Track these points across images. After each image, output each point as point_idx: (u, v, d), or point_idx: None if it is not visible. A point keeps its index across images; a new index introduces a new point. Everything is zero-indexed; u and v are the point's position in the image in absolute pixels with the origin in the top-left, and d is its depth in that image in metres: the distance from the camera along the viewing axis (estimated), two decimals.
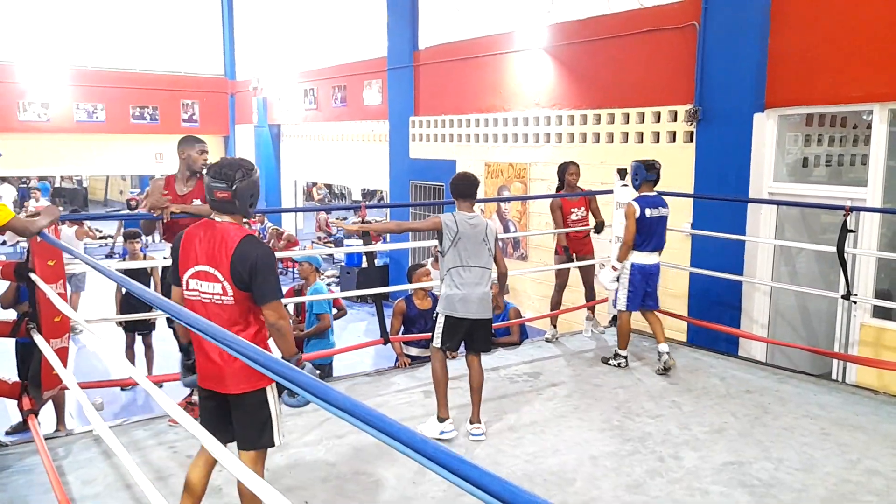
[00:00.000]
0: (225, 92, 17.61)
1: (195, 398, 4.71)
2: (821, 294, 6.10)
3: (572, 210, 6.44)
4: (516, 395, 5.12)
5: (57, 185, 25.34)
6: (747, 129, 6.51)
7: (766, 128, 6.46)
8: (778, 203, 6.38)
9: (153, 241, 14.72)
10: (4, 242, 14.48)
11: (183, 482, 3.10)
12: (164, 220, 4.54)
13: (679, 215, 6.98)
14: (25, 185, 24.24)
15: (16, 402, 4.20)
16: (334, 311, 6.93)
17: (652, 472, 3.92)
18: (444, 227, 4.38)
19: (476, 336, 4.49)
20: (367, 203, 9.49)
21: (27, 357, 4.77)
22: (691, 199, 6.95)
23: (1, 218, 3.73)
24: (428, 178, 10.98)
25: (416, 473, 3.82)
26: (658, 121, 7.42)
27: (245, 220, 3.09)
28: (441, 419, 4.38)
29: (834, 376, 5.89)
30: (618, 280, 5.70)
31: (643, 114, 7.57)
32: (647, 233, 5.53)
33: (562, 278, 6.51)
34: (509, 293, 7.28)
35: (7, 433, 6.00)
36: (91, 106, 15.77)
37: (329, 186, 24.10)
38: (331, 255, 15.58)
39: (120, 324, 7.91)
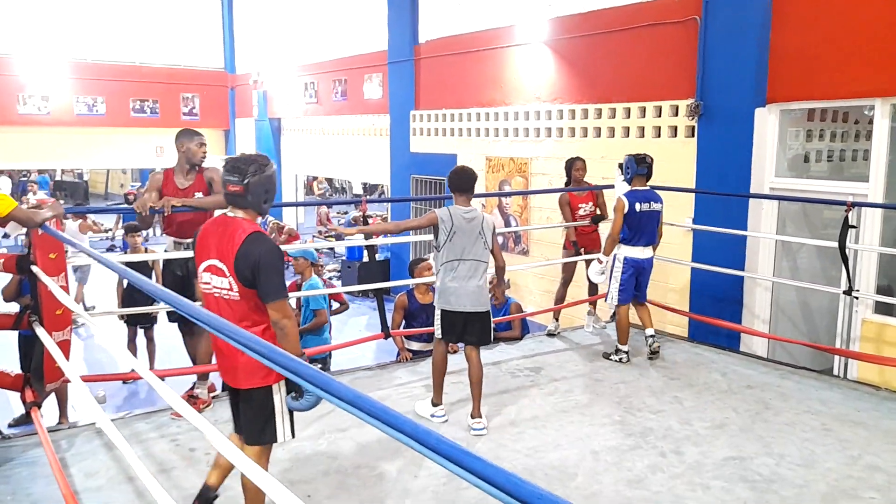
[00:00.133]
0: (225, 85, 17.57)
1: (196, 391, 4.73)
2: (822, 290, 6.10)
3: (580, 205, 6.49)
4: (517, 390, 5.13)
5: (58, 178, 25.30)
6: (749, 124, 6.50)
7: (767, 123, 6.44)
8: (779, 198, 6.38)
9: (154, 234, 14.72)
10: (6, 235, 14.47)
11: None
12: (165, 214, 4.54)
13: (680, 210, 6.98)
14: (26, 179, 24.22)
15: (19, 394, 4.20)
16: (336, 304, 6.94)
17: (653, 467, 3.93)
18: (439, 222, 4.40)
19: (472, 329, 4.51)
20: (367, 197, 9.47)
21: (29, 350, 4.78)
22: (692, 195, 6.95)
23: (3, 208, 3.73)
24: (429, 173, 10.97)
25: (418, 467, 3.83)
26: (659, 115, 7.41)
27: (260, 215, 3.08)
28: (434, 404, 4.53)
29: (835, 372, 5.89)
30: (604, 273, 5.79)
31: (644, 108, 7.56)
32: (638, 227, 5.56)
33: (567, 273, 6.53)
34: (510, 288, 7.29)
35: (10, 425, 6.01)
36: (91, 99, 15.74)
37: (330, 181, 24.07)
38: (332, 250, 15.58)
39: (122, 317, 7.92)
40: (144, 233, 9.93)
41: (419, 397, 4.88)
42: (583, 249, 6.49)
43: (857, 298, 5.61)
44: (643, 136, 7.59)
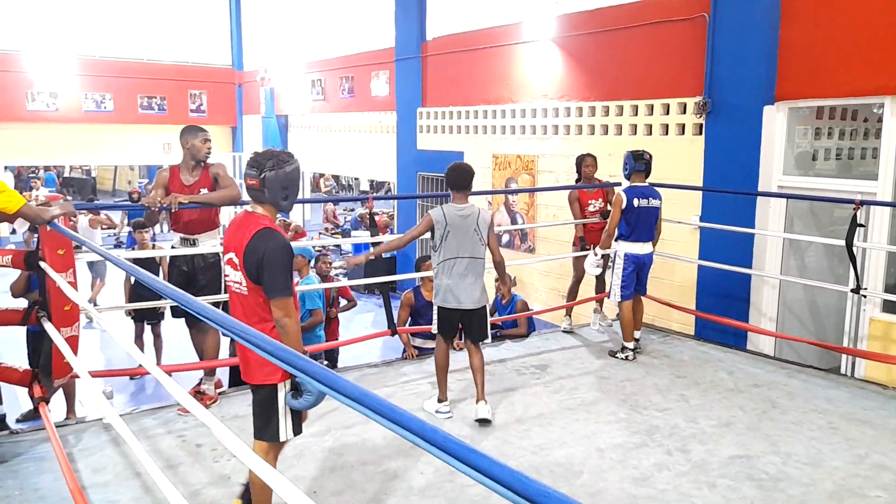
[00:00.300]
0: (232, 82, 17.61)
1: (203, 387, 4.75)
2: (830, 288, 6.08)
3: (590, 202, 6.51)
4: (523, 388, 5.13)
5: (66, 174, 25.40)
6: (757, 121, 6.47)
7: (775, 120, 6.41)
8: (787, 196, 6.35)
9: (161, 230, 14.76)
10: (14, 231, 14.54)
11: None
12: (172, 211, 4.55)
13: (687, 208, 6.96)
14: (34, 174, 24.32)
15: (27, 389, 4.22)
16: (343, 301, 6.96)
17: (659, 465, 3.92)
18: (434, 223, 4.46)
19: (470, 325, 4.60)
20: (374, 195, 9.47)
21: (38, 345, 4.80)
22: (700, 192, 6.93)
23: (13, 204, 3.75)
24: (435, 170, 10.97)
25: (424, 464, 3.83)
26: (667, 113, 7.39)
27: (280, 212, 3.10)
28: (440, 400, 4.59)
29: (843, 371, 5.87)
30: (599, 266, 5.91)
31: (652, 106, 7.54)
32: (636, 223, 5.61)
33: (579, 270, 6.54)
34: (516, 285, 7.29)
35: (18, 420, 6.04)
36: (99, 96, 15.80)
37: (336, 178, 24.08)
38: (338, 247, 15.60)
39: (129, 313, 7.95)
40: (152, 230, 9.98)
41: (425, 394, 4.89)
42: (590, 246, 6.49)
43: (864, 297, 5.59)
44: (650, 133, 7.56)
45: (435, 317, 4.61)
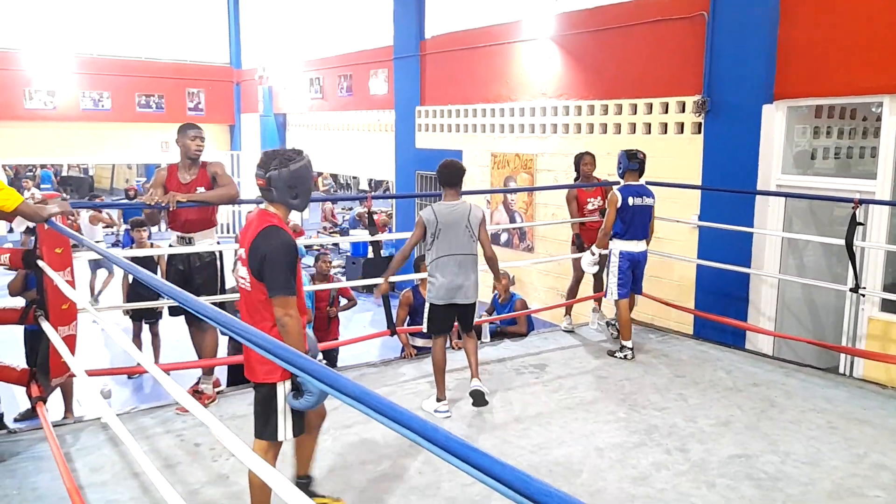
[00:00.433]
0: (230, 81, 17.58)
1: (202, 387, 4.74)
2: (829, 287, 6.08)
3: (588, 200, 6.51)
4: (522, 387, 5.12)
5: (64, 173, 25.36)
6: (756, 120, 6.47)
7: (774, 119, 6.41)
8: (786, 195, 6.35)
9: (160, 230, 14.72)
10: (11, 231, 14.51)
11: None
12: (170, 209, 4.54)
13: (686, 207, 6.96)
14: (31, 173, 24.28)
15: (24, 388, 4.21)
16: (344, 301, 6.95)
17: (658, 464, 3.92)
18: (425, 223, 4.54)
19: (464, 319, 4.74)
20: (372, 194, 9.45)
21: (35, 344, 4.80)
22: (699, 191, 6.93)
23: (11, 202, 3.74)
24: (434, 169, 10.81)
25: (423, 464, 3.83)
26: (666, 112, 7.38)
27: (292, 210, 3.11)
28: (438, 399, 4.62)
29: (841, 370, 5.87)
30: (597, 265, 5.96)
31: (651, 104, 7.53)
32: (631, 221, 5.69)
33: (578, 269, 6.55)
34: (514, 284, 7.28)
35: (16, 420, 6.04)
36: (97, 94, 15.77)
37: (335, 176, 24.06)
38: (336, 245, 15.59)
39: (127, 312, 7.94)
40: (150, 228, 9.99)
41: (424, 394, 4.89)
42: (588, 245, 6.50)
43: (863, 296, 5.59)
44: (649, 132, 7.56)
45: (426, 314, 4.69)
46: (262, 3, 16.51)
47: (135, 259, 6.39)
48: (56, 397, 5.78)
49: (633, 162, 5.73)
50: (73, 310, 4.14)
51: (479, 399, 4.59)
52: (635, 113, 7.72)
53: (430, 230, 4.54)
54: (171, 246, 4.87)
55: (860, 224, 5.25)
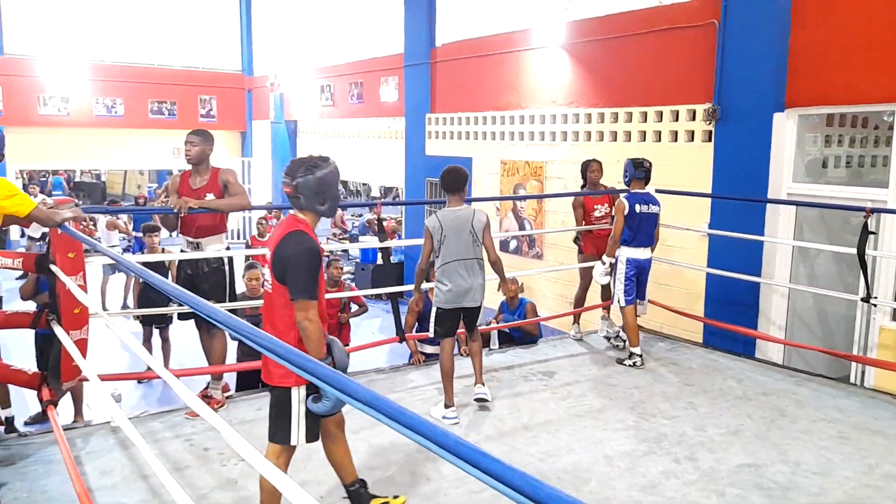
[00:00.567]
0: (242, 88, 17.69)
1: (210, 391, 4.76)
2: (840, 296, 6.04)
3: (595, 207, 6.50)
4: (531, 394, 5.11)
5: (77, 179, 25.57)
6: (767, 128, 6.45)
7: (785, 128, 6.39)
8: (797, 204, 6.32)
9: (170, 235, 14.81)
10: (23, 235, 14.62)
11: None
12: (182, 215, 4.58)
13: (696, 215, 6.94)
14: (45, 179, 24.46)
15: (35, 392, 4.24)
16: (355, 307, 6.97)
17: (667, 473, 3.90)
18: (431, 231, 4.63)
19: (470, 320, 4.80)
20: (382, 200, 9.49)
21: (46, 348, 4.83)
22: (709, 199, 6.91)
23: (24, 208, 3.78)
24: None
25: (430, 470, 3.82)
26: (676, 120, 7.37)
27: (322, 217, 3.15)
28: (446, 405, 4.63)
29: (852, 380, 5.82)
30: (608, 274, 5.98)
31: (661, 112, 7.52)
32: (637, 228, 5.75)
33: (585, 277, 6.54)
34: (524, 291, 7.28)
35: (26, 423, 6.07)
36: (110, 100, 15.90)
37: (345, 183, 24.12)
38: (345, 252, 15.62)
39: (137, 317, 7.97)
40: (168, 233, 10.09)
41: (432, 400, 4.89)
42: (584, 251, 6.54)
43: (875, 306, 5.55)
44: (660, 140, 7.55)
45: (433, 318, 4.75)
46: (273, 11, 16.62)
47: (146, 264, 6.43)
48: (66, 401, 5.81)
49: (639, 170, 5.82)
50: (85, 314, 4.17)
51: (481, 404, 4.72)
52: (645, 121, 7.71)
53: (437, 237, 4.62)
54: (182, 251, 4.90)
55: (872, 233, 5.22)
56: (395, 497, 3.45)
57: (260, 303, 5.94)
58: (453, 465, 1.30)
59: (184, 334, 6.46)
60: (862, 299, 5.38)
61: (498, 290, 6.65)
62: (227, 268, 4.80)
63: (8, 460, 3.86)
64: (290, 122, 16.42)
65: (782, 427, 4.53)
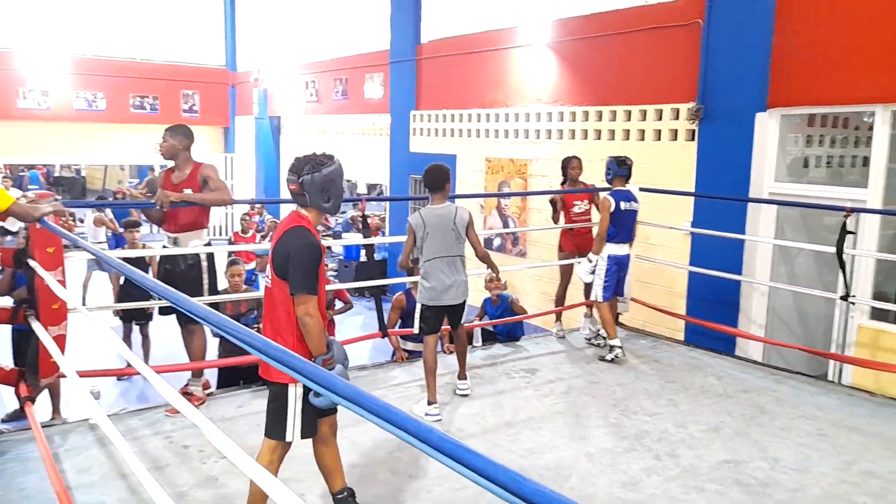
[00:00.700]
0: (225, 83, 17.55)
1: (191, 388, 4.72)
2: (819, 295, 6.10)
3: (575, 203, 6.53)
4: (513, 391, 5.12)
5: (57, 174, 25.26)
6: (749, 128, 6.51)
7: (768, 127, 6.45)
8: (778, 203, 6.38)
9: (151, 231, 14.67)
10: (6, 231, 14.42)
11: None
12: (164, 210, 4.54)
13: (679, 214, 6.98)
14: (22, 174, 24.14)
15: (13, 389, 4.18)
16: (340, 304, 6.93)
17: (648, 469, 3.92)
18: (414, 229, 4.66)
19: (453, 317, 4.84)
20: (366, 196, 9.46)
21: (23, 344, 4.77)
22: (692, 198, 6.95)
23: (2, 203, 3.73)
24: None
25: (413, 468, 3.82)
26: (660, 119, 7.41)
27: (326, 214, 3.20)
28: (429, 403, 4.63)
29: (830, 377, 5.89)
30: (593, 273, 5.98)
31: (645, 111, 7.56)
32: (620, 225, 5.85)
33: (565, 275, 6.57)
34: (507, 289, 7.29)
35: (3, 420, 5.99)
36: (91, 94, 15.72)
37: None
38: (329, 248, 15.56)
39: (117, 314, 7.89)
40: (150, 229, 9.97)
41: (415, 398, 4.88)
42: (565, 249, 6.57)
43: (853, 304, 5.62)
44: (643, 138, 7.59)
45: (417, 315, 4.77)
46: (258, 6, 16.50)
47: (126, 260, 6.37)
48: (44, 398, 5.74)
49: (622, 168, 5.91)
50: (64, 309, 4.12)
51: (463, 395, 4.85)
52: (629, 119, 7.75)
53: (419, 234, 4.65)
54: (164, 247, 4.86)
55: (851, 233, 5.29)
56: None
57: (239, 297, 5.92)
58: (437, 461, 1.29)
59: (164, 331, 6.40)
60: (841, 298, 5.44)
61: (488, 283, 6.69)
62: (205, 264, 4.76)
63: None
64: (274, 117, 16.32)
65: (762, 424, 4.57)
